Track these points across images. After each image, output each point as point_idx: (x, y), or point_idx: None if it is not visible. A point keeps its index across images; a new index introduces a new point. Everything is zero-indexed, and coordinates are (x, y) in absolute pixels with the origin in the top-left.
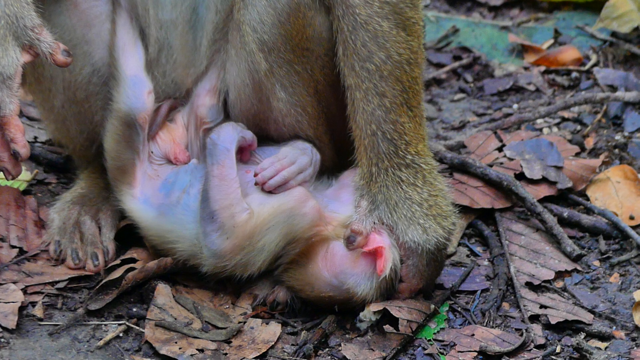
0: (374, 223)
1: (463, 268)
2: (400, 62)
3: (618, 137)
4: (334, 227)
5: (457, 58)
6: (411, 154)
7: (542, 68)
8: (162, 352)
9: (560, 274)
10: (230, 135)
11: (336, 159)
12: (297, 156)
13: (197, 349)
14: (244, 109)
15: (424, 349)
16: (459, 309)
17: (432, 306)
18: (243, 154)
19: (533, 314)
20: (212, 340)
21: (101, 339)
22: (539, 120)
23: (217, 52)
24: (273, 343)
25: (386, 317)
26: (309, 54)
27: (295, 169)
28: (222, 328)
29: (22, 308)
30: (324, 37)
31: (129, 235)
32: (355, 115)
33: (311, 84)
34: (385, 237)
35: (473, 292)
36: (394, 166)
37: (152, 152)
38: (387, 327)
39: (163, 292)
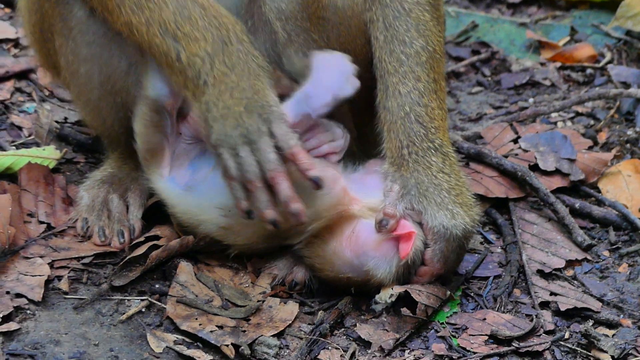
0: (405, 208)
1: (477, 255)
2: (435, 53)
3: (630, 132)
4: (360, 209)
5: (475, 52)
6: (440, 139)
7: (558, 64)
8: (183, 327)
9: (570, 263)
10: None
11: (356, 140)
12: (332, 126)
13: (216, 326)
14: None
15: (437, 331)
16: (472, 294)
17: (448, 292)
18: None
19: (543, 300)
20: (232, 318)
21: (124, 313)
22: (553, 114)
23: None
24: (290, 322)
25: (401, 300)
26: (324, 22)
27: (329, 136)
28: (241, 306)
29: (48, 281)
30: (338, 7)
31: (155, 213)
32: (387, 101)
33: None
34: (413, 223)
35: (486, 279)
36: (425, 149)
37: (181, 133)
38: (404, 310)
39: (185, 270)
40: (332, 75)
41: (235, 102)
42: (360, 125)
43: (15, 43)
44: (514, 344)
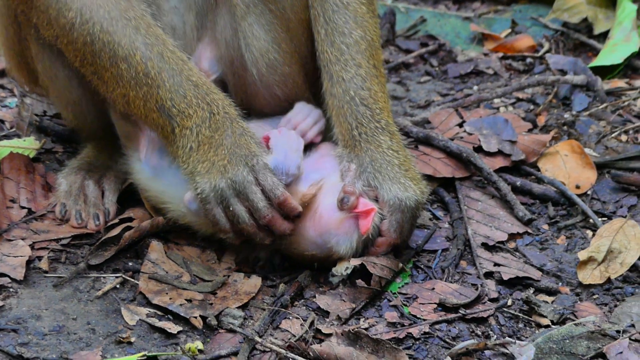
0: (363, 185)
1: (426, 230)
2: (373, 42)
3: (567, 115)
4: (320, 191)
5: (424, 45)
6: (385, 119)
7: (500, 54)
8: (154, 301)
9: (512, 236)
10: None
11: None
12: (319, 117)
13: (185, 299)
14: (229, 59)
15: (390, 301)
16: (422, 266)
17: (400, 264)
18: None
19: (487, 271)
20: (200, 292)
21: (100, 289)
22: (496, 100)
23: (210, 10)
24: (254, 294)
25: (357, 272)
26: None
27: (317, 129)
28: (208, 281)
29: (29, 262)
30: None
31: (129, 197)
32: (332, 88)
33: (283, 22)
34: (370, 200)
35: (434, 252)
36: (373, 129)
37: None
38: (359, 282)
39: (156, 249)
40: (290, 151)
41: (219, 157)
42: (316, 96)
43: None
44: (460, 311)
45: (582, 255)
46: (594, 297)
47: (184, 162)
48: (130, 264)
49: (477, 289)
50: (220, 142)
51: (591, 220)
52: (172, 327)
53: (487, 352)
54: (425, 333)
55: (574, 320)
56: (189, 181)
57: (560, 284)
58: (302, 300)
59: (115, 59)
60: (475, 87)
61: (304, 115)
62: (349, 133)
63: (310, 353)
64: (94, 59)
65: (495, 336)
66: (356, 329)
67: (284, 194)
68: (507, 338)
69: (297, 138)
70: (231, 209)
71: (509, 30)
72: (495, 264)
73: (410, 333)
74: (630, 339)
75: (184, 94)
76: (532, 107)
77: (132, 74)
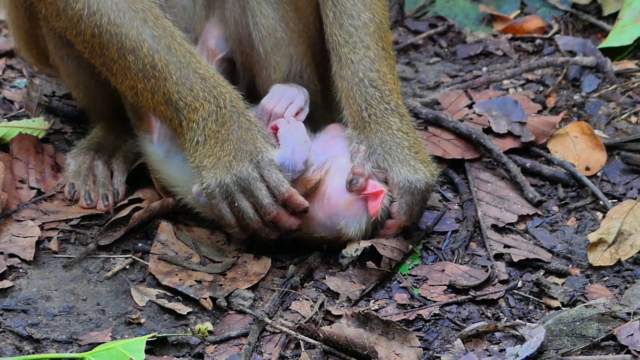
0: (372, 167)
1: (436, 212)
2: (381, 24)
3: (576, 97)
4: (328, 173)
5: (433, 26)
6: (394, 100)
7: (509, 35)
8: (164, 283)
9: (522, 218)
10: None
11: (321, 93)
12: (295, 95)
13: (195, 280)
14: (237, 37)
15: (400, 282)
16: (432, 248)
17: (410, 246)
18: None
19: (497, 252)
20: (209, 273)
21: (109, 270)
22: (505, 82)
23: None
24: (264, 275)
25: (366, 254)
26: None
27: (295, 108)
28: (218, 262)
29: (38, 242)
30: None
31: (138, 177)
32: (342, 70)
33: (292, 0)
34: (379, 182)
35: (444, 233)
36: (382, 111)
37: None
38: (369, 263)
39: (165, 230)
40: (298, 146)
41: (225, 153)
42: (322, 78)
43: (6, 24)
44: (470, 293)
45: (592, 237)
46: (604, 279)
47: (190, 155)
48: (139, 244)
49: (487, 271)
50: (227, 136)
51: (601, 202)
52: (182, 308)
53: (497, 334)
54: (435, 315)
55: (584, 302)
56: (195, 175)
57: (570, 265)
58: (312, 282)
59: (122, 51)
60: (485, 69)
61: (277, 98)
62: (359, 115)
63: (320, 334)
64: (102, 50)
65: (506, 318)
66: (366, 311)
67: (289, 190)
68: (517, 320)
69: (304, 128)
70: (236, 204)
71: (518, 12)
72: (505, 246)
73: (420, 315)
74: None
75: (191, 87)
76: (541, 88)
77: (140, 66)
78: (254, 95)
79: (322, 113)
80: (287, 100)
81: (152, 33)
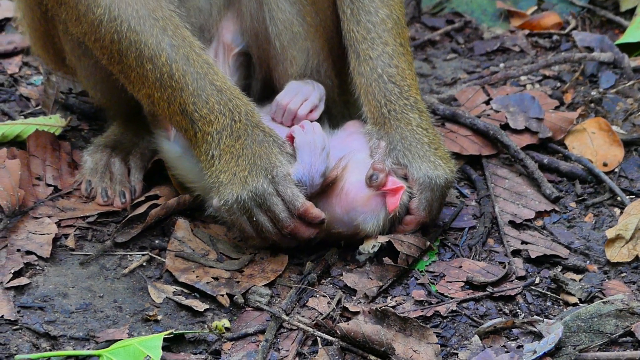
0: (392, 163)
1: (453, 208)
2: (399, 20)
3: (594, 93)
4: (347, 169)
5: (450, 22)
6: (413, 96)
7: (527, 31)
8: (181, 279)
9: (540, 214)
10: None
11: (338, 88)
12: (310, 92)
13: (212, 277)
14: (253, 32)
15: (417, 279)
16: (449, 244)
17: (427, 242)
18: None
19: (515, 249)
20: (226, 270)
21: (126, 267)
22: (522, 77)
23: None
24: (281, 272)
25: (384, 250)
26: None
27: (309, 105)
28: (235, 259)
29: (55, 239)
30: None
31: (155, 175)
32: (360, 67)
33: None
34: (399, 178)
35: (461, 229)
36: (402, 106)
37: None
38: (386, 260)
39: (182, 227)
40: (315, 158)
41: (240, 168)
42: (339, 72)
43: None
44: (488, 289)
45: (610, 233)
46: (622, 275)
47: (207, 169)
48: (156, 241)
49: (504, 267)
50: (241, 152)
51: (619, 198)
52: (199, 305)
53: (514, 331)
54: (452, 311)
55: (602, 299)
56: (213, 190)
57: (588, 262)
58: (329, 278)
59: (141, 59)
60: (502, 65)
61: (291, 95)
62: (378, 111)
63: (337, 331)
64: (120, 57)
65: (523, 314)
66: (383, 307)
67: (304, 204)
68: (534, 316)
69: (321, 133)
70: (255, 219)
71: (535, 7)
72: (523, 242)
73: (438, 311)
74: None
75: (207, 99)
76: (558, 84)
77: (157, 75)
78: (270, 89)
79: (339, 109)
80: (301, 97)
81: (171, 42)
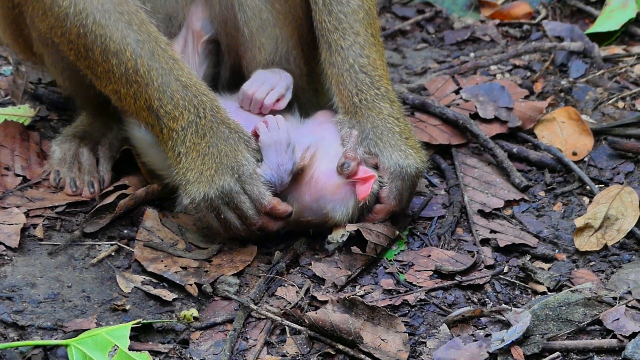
0: (364, 152)
1: (422, 197)
2: (370, 11)
3: (564, 82)
4: (316, 157)
5: (420, 12)
6: (384, 86)
7: (497, 21)
8: (150, 269)
9: (509, 203)
10: None
11: (307, 76)
12: (277, 81)
13: (181, 267)
14: (222, 19)
15: (385, 268)
16: (418, 233)
17: (396, 232)
18: None
19: (484, 238)
20: (195, 259)
21: (95, 257)
22: (492, 67)
23: None
24: (249, 262)
25: (352, 239)
26: None
27: (275, 94)
28: (204, 248)
29: (24, 229)
30: None
31: (124, 164)
32: (331, 57)
33: None
34: (369, 167)
35: (430, 219)
36: (373, 96)
37: None
38: (355, 249)
39: (151, 216)
40: (281, 157)
41: (206, 167)
42: (308, 60)
43: None
44: (456, 278)
45: (579, 222)
46: (591, 264)
47: (174, 167)
48: (125, 231)
49: (473, 256)
50: (207, 150)
51: (588, 187)
52: (168, 295)
53: (483, 319)
54: (421, 300)
55: (570, 287)
56: (180, 187)
57: (556, 250)
58: (298, 268)
59: (106, 54)
60: (472, 54)
61: (257, 84)
62: (350, 100)
63: (306, 320)
64: (87, 52)
65: (492, 303)
66: (352, 296)
67: (270, 202)
68: (503, 305)
69: (286, 128)
70: (222, 216)
71: None
72: (492, 231)
73: (406, 300)
74: (626, 305)
75: (172, 95)
76: (528, 74)
77: (123, 70)
78: (239, 77)
79: (309, 97)
80: (268, 86)
81: (136, 37)
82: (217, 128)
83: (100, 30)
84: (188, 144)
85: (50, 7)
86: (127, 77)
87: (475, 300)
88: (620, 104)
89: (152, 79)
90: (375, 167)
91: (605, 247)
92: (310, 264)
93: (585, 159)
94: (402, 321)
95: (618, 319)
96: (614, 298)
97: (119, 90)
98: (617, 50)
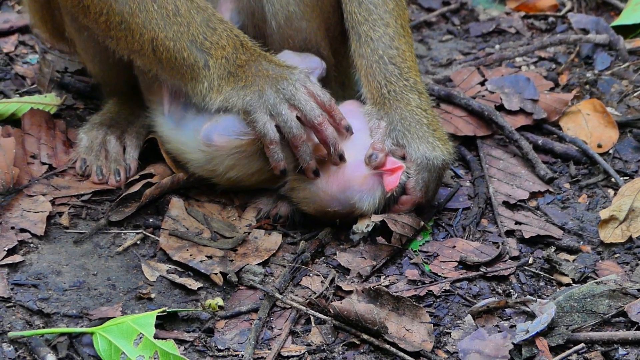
0: (392, 144)
1: (448, 188)
2: (400, 3)
3: (589, 74)
4: (344, 147)
5: (446, 3)
6: (413, 78)
7: (522, 13)
8: (175, 258)
9: (534, 195)
10: None
11: (334, 67)
12: (298, 62)
13: (206, 256)
14: (250, 11)
15: (410, 258)
16: (443, 224)
17: (421, 222)
18: None
19: (509, 229)
20: (220, 248)
21: (120, 245)
22: (518, 59)
23: None
24: (274, 251)
25: (377, 230)
26: None
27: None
28: (229, 237)
29: (50, 217)
30: None
31: (150, 153)
32: (361, 48)
33: None
34: (397, 158)
35: (456, 210)
36: (402, 87)
37: None
38: (380, 239)
39: (177, 205)
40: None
41: (261, 75)
42: (335, 53)
43: (19, 0)
44: (481, 269)
45: (604, 214)
46: (615, 255)
47: (219, 90)
48: (150, 220)
49: (498, 247)
50: (259, 61)
51: (613, 179)
52: (193, 284)
53: (507, 310)
54: (446, 291)
55: (595, 279)
56: (232, 99)
57: (581, 242)
58: (323, 258)
59: (144, 3)
60: (497, 46)
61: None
62: (378, 91)
63: (331, 310)
64: (121, 7)
65: (516, 294)
66: (377, 287)
67: (331, 99)
68: (527, 296)
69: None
70: (283, 113)
71: None
72: (517, 223)
73: (431, 291)
74: None
75: (214, 27)
76: (554, 66)
77: (163, 14)
78: None
79: (335, 89)
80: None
81: None
82: (258, 52)
83: None
84: (238, 62)
85: None
86: (166, 21)
87: (500, 291)
88: None
89: (194, 17)
90: (402, 158)
91: (630, 239)
92: (336, 254)
93: (610, 151)
94: (427, 312)
95: None
96: (639, 290)
97: (156, 37)
98: None
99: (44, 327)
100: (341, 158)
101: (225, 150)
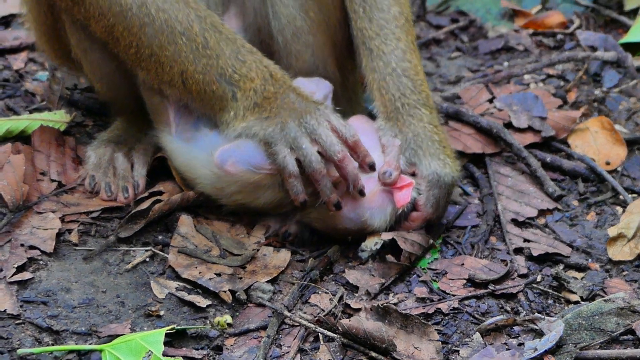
0: (405, 162)
1: (456, 206)
2: (409, 19)
3: (597, 92)
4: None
5: (454, 21)
6: (425, 92)
7: (531, 31)
8: (184, 275)
9: (542, 212)
10: None
11: (341, 85)
12: (313, 89)
13: (215, 273)
14: (256, 27)
15: (419, 276)
16: (451, 242)
17: (430, 240)
18: None
19: (517, 247)
20: (229, 266)
21: (129, 262)
22: (526, 76)
23: None
24: (283, 269)
25: (386, 247)
26: None
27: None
28: (237, 255)
29: (59, 234)
30: None
31: (159, 171)
32: (373, 62)
33: None
34: (408, 175)
35: (464, 227)
36: (415, 101)
37: None
38: (389, 257)
39: (186, 222)
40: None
41: (287, 104)
42: (342, 69)
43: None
44: (490, 287)
45: (612, 231)
46: (624, 273)
47: (243, 119)
48: (159, 237)
49: (506, 265)
50: (287, 94)
51: (621, 197)
52: (201, 301)
53: (516, 328)
54: (454, 309)
55: (603, 297)
56: (249, 129)
57: (589, 260)
58: (331, 275)
59: (173, 36)
60: (506, 63)
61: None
62: (392, 104)
63: (339, 328)
64: (151, 40)
65: (525, 312)
66: (385, 304)
67: (355, 135)
68: (536, 314)
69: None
70: (303, 147)
71: (540, 7)
72: (525, 240)
73: (440, 308)
74: None
75: (244, 60)
76: (562, 83)
77: (192, 47)
78: None
79: (342, 105)
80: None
81: (197, 14)
82: (288, 83)
83: (164, 15)
84: (266, 93)
85: (109, 6)
86: (195, 54)
87: (509, 309)
88: None
89: (222, 49)
90: (412, 174)
91: (639, 256)
92: (344, 272)
93: (619, 169)
94: (435, 329)
95: None
96: None
97: (185, 69)
98: None
99: (53, 344)
100: (361, 193)
101: (236, 177)
